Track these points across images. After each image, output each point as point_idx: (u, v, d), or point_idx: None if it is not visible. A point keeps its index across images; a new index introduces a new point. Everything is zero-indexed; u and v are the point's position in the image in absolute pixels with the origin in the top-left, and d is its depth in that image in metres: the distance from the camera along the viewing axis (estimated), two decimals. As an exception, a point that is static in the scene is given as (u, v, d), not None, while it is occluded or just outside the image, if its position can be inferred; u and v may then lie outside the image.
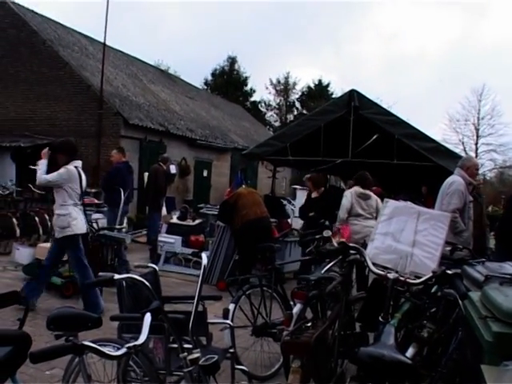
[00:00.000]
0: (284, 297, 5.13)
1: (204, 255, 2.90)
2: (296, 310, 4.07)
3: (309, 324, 3.88)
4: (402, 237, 3.88)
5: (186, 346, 2.60)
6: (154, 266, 3.42)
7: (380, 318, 2.98)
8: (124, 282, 3.17)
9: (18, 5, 17.18)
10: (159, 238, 9.56)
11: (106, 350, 1.82)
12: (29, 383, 4.04)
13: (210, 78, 46.11)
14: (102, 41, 15.87)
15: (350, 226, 7.24)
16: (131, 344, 1.89)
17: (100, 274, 2.89)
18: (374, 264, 3.43)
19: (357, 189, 7.55)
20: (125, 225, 9.00)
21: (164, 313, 2.39)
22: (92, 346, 1.75)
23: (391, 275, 3.19)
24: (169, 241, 9.33)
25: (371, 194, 7.66)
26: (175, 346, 2.94)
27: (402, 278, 3.27)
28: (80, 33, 20.26)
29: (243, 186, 9.95)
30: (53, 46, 16.29)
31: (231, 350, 3.68)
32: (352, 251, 3.82)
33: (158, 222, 10.85)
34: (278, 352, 4.80)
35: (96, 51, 18.72)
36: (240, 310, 4.67)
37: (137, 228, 12.73)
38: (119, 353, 1.85)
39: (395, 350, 2.48)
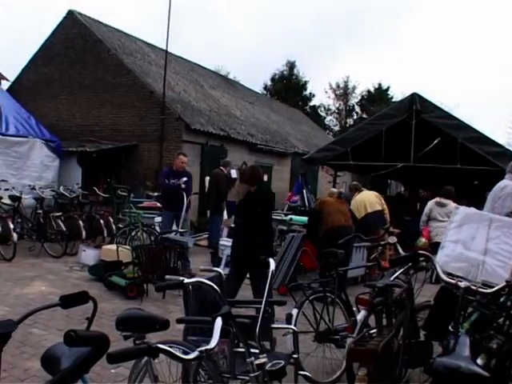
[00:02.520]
0: (347, 303, 5.08)
1: (272, 260, 2.89)
2: (360, 316, 4.02)
3: (372, 331, 3.82)
4: (473, 244, 3.76)
5: (252, 350, 2.60)
6: (219, 270, 3.43)
7: (450, 328, 2.89)
8: (190, 286, 3.20)
9: (85, 15, 17.72)
10: (220, 242, 9.61)
11: (178, 353, 1.84)
12: (95, 381, 4.14)
13: (269, 82, 46.32)
14: (164, 48, 16.16)
15: (428, 227, 9.54)
16: (203, 348, 1.89)
17: (167, 277, 2.91)
18: (443, 272, 3.35)
19: (436, 199, 9.67)
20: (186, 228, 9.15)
21: (233, 317, 2.40)
22: (166, 348, 1.77)
23: (463, 284, 3.09)
24: (230, 244, 9.35)
25: (449, 202, 9.32)
26: (239, 349, 2.95)
27: (473, 287, 3.17)
28: (142, 41, 20.68)
29: (334, 190, 9.96)
30: (117, 54, 16.68)
31: (295, 356, 3.66)
32: (422, 258, 3.74)
33: (220, 226, 10.94)
34: (339, 359, 4.76)
35: (158, 58, 19.06)
36: (303, 315, 4.65)
37: (198, 231, 12.88)
38: (192, 356, 1.86)
39: (472, 362, 2.39)
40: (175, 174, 9.22)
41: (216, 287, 2.63)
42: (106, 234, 10.94)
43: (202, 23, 75.21)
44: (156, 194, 12.59)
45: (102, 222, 10.94)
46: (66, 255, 9.83)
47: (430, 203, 9.74)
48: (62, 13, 17.44)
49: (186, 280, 2.60)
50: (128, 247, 8.18)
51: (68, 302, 2.45)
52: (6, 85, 18.04)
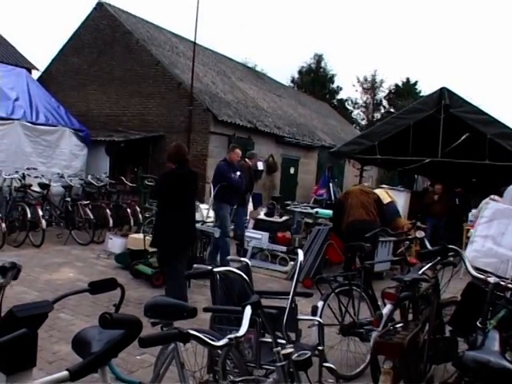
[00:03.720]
0: (372, 297, 5.06)
1: (300, 252, 2.89)
2: (386, 310, 4.00)
3: (398, 325, 3.80)
4: (503, 240, 3.70)
5: (278, 340, 2.61)
6: (246, 260, 3.45)
7: (478, 324, 2.86)
8: (218, 275, 3.22)
9: (114, 7, 17.89)
10: (246, 234, 9.63)
11: (208, 339, 1.86)
12: (121, 366, 4.20)
13: (296, 75, 46.26)
14: (192, 39, 16.23)
15: None
16: (233, 335, 1.91)
17: (195, 265, 2.95)
18: (472, 267, 3.32)
19: (491, 196, 9.05)
20: (212, 218, 9.15)
21: (261, 307, 2.41)
22: (197, 334, 1.80)
23: (492, 279, 3.06)
24: (256, 236, 9.38)
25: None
26: (265, 339, 2.96)
27: (502, 283, 3.13)
28: (171, 32, 20.79)
29: (365, 184, 9.93)
30: (145, 45, 16.82)
31: (320, 348, 3.66)
32: (451, 253, 3.71)
33: (244, 217, 10.96)
34: (363, 352, 4.76)
35: (186, 49, 19.15)
36: (328, 308, 4.65)
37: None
38: (221, 343, 1.89)
39: (501, 357, 2.36)
40: (232, 167, 8.85)
41: (246, 277, 2.65)
42: (132, 223, 11.07)
43: (230, 15, 75.23)
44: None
45: (128, 210, 11.06)
46: (93, 243, 9.98)
47: (485, 200, 9.46)
48: (92, 4, 17.65)
49: (216, 269, 2.62)
50: (154, 236, 8.24)
51: (96, 288, 2.50)
52: (36, 74, 18.35)
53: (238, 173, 8.79)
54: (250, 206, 11.37)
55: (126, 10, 18.72)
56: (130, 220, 11.04)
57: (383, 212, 7.83)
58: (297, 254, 2.90)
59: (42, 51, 41.57)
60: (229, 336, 1.91)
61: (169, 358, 3.05)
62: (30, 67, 18.24)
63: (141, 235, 8.17)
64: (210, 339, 1.88)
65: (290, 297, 2.72)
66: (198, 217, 10.04)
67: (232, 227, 11.28)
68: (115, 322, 1.41)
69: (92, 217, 10.08)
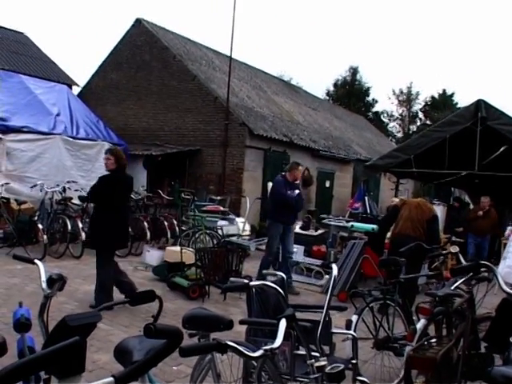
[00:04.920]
0: (407, 311, 5.06)
1: (334, 266, 2.94)
2: (420, 325, 4.01)
3: (432, 340, 3.81)
4: (537, 256, 3.70)
5: (312, 353, 2.66)
6: (282, 274, 3.51)
7: (511, 340, 2.87)
8: (254, 288, 3.29)
9: (152, 23, 18.26)
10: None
11: (245, 351, 1.94)
12: (158, 376, 4.28)
13: (331, 88, 46.25)
14: (228, 54, 16.44)
15: None
16: (268, 347, 1.99)
17: (232, 279, 3.03)
18: (506, 283, 3.32)
19: None
20: (248, 232, 9.20)
21: (296, 320, 2.48)
22: (234, 345, 1.87)
23: (525, 296, 3.07)
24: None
25: None
26: (299, 352, 3.02)
27: (536, 299, 3.13)
28: (207, 47, 21.08)
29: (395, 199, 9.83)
30: (182, 60, 17.10)
31: (353, 361, 3.70)
32: (483, 268, 3.70)
33: (290, 235, 10.99)
34: (397, 367, 4.74)
35: (222, 64, 19.37)
36: (362, 322, 4.67)
37: (259, 236, 12.99)
38: (258, 354, 1.96)
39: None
40: (290, 185, 8.55)
41: (281, 291, 2.71)
42: (169, 236, 11.22)
43: (266, 29, 75.72)
44: (219, 197, 12.77)
45: (165, 223, 11.22)
46: (130, 255, 10.14)
47: None
48: (130, 21, 18.07)
49: (252, 282, 2.69)
50: (191, 249, 8.36)
51: (136, 299, 2.60)
52: (76, 90, 18.85)
53: (297, 191, 8.50)
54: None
55: (164, 26, 19.13)
56: (167, 233, 11.20)
57: (433, 233, 7.43)
58: (331, 268, 2.95)
59: (82, 67, 42.66)
60: (264, 347, 1.98)
61: (205, 369, 3.12)
62: (70, 83, 18.75)
63: (178, 248, 8.28)
64: (246, 350, 1.96)
65: (324, 310, 2.77)
66: (234, 230, 10.21)
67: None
68: (159, 332, 1.50)
69: (130, 229, 10.25)
